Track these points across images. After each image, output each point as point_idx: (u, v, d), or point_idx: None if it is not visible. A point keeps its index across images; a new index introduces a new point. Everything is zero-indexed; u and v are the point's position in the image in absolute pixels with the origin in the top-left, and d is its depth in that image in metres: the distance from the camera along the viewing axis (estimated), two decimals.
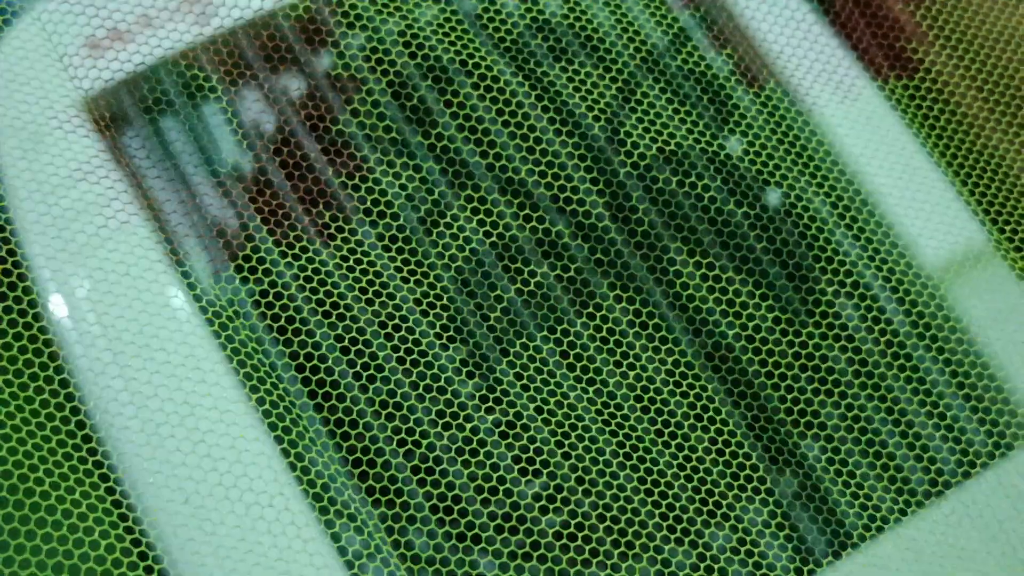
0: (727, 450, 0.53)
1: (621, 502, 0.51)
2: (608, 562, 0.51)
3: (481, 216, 0.56)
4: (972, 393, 0.56)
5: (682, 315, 0.56)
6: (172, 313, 0.51)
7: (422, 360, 0.53)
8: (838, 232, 0.59)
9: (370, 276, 0.54)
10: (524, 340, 0.54)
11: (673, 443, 0.53)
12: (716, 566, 0.51)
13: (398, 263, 0.55)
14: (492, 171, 0.57)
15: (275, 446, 0.50)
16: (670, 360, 0.55)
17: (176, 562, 0.47)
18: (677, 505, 0.52)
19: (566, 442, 0.52)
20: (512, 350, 0.54)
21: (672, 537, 0.51)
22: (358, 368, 0.52)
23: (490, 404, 0.53)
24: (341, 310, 0.53)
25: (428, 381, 0.52)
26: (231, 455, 0.49)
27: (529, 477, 0.52)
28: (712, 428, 0.54)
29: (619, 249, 0.56)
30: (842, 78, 0.62)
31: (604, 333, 0.55)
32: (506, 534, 0.51)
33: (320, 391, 0.52)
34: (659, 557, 0.51)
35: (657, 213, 0.58)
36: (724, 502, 0.52)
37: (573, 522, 0.51)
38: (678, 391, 0.54)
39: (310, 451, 0.51)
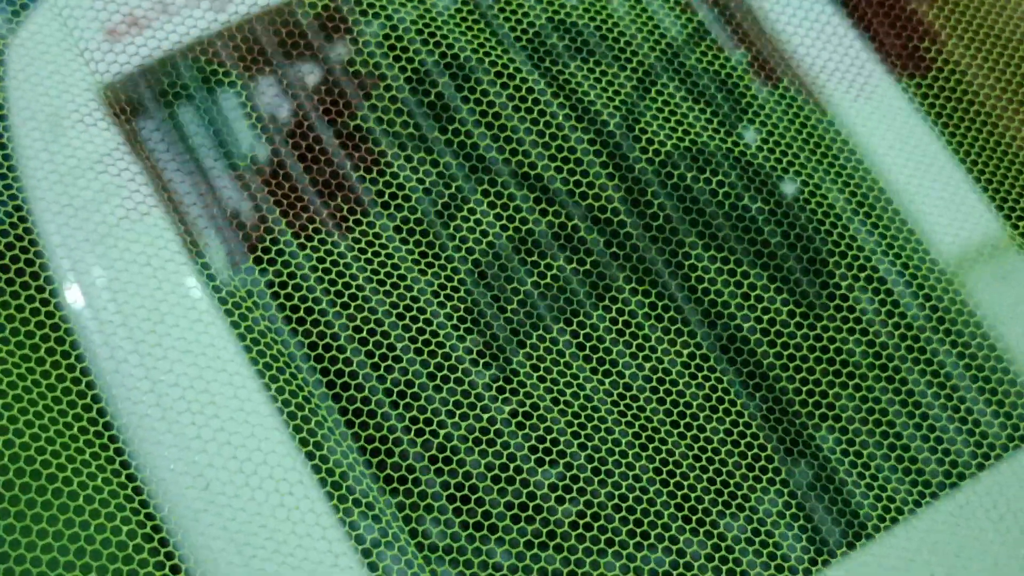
0: (742, 440, 0.53)
1: (637, 491, 0.51)
2: (623, 551, 0.51)
3: (498, 207, 0.56)
4: (987, 384, 0.56)
5: (698, 306, 0.56)
6: (190, 302, 0.52)
7: (439, 349, 0.53)
8: (855, 223, 0.59)
9: (387, 266, 0.54)
10: (540, 330, 0.54)
11: (689, 433, 0.53)
12: (731, 555, 0.51)
13: (415, 253, 0.55)
14: (509, 162, 0.57)
15: (292, 435, 0.50)
16: (686, 351, 0.55)
17: (194, 551, 0.47)
18: (692, 495, 0.52)
19: (582, 432, 0.52)
20: (528, 340, 0.54)
21: (687, 527, 0.52)
22: (375, 357, 0.52)
23: (506, 393, 0.53)
24: (358, 300, 0.53)
25: (444, 370, 0.53)
26: (248, 444, 0.49)
27: (545, 466, 0.52)
28: (728, 418, 0.54)
29: (635, 240, 0.56)
30: (859, 72, 0.62)
31: (620, 324, 0.55)
32: (522, 523, 0.51)
33: (337, 380, 0.52)
34: (674, 547, 0.51)
35: (673, 205, 0.58)
36: (739, 492, 0.53)
37: (589, 511, 0.51)
38: (694, 381, 0.54)
39: (327, 440, 0.51)
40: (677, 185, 0.58)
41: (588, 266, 0.56)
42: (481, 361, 0.53)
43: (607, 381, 0.53)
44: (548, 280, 0.55)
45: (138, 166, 0.54)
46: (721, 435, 0.53)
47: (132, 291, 0.51)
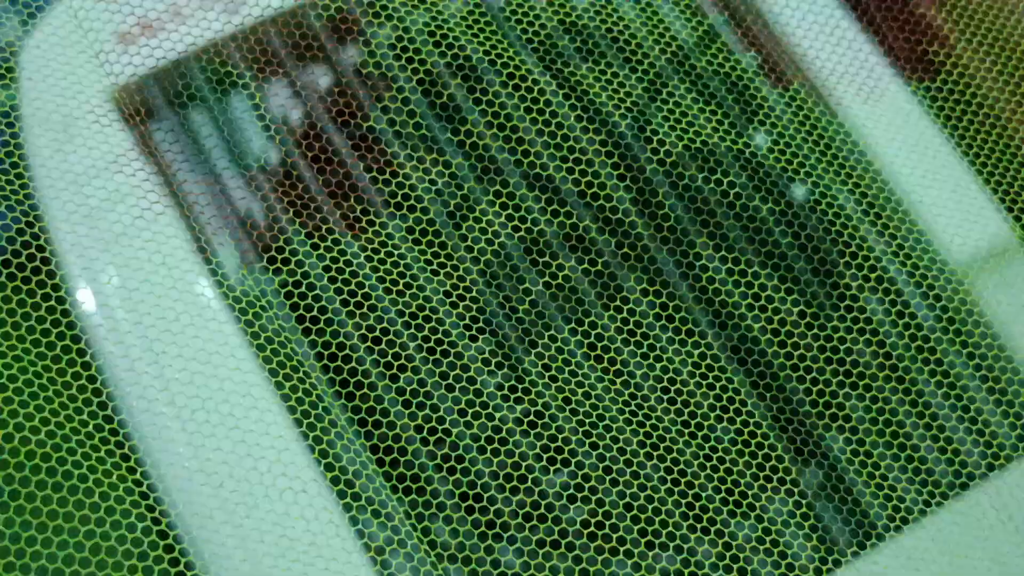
0: (752, 443, 0.53)
1: (646, 494, 0.52)
2: (633, 551, 0.51)
3: (508, 210, 0.56)
4: (997, 387, 0.56)
5: (708, 308, 0.56)
6: (201, 305, 0.52)
7: (449, 352, 0.53)
8: (864, 226, 0.59)
9: (399, 268, 0.55)
10: (550, 333, 0.54)
11: (698, 436, 0.53)
12: (740, 558, 0.52)
13: (426, 256, 0.55)
14: (519, 165, 0.57)
15: (303, 437, 0.50)
16: (696, 353, 0.55)
17: (204, 552, 0.47)
18: (702, 497, 0.52)
19: (592, 434, 0.52)
20: (539, 343, 0.54)
21: (697, 527, 0.52)
22: (385, 360, 0.53)
23: (516, 396, 0.53)
24: (369, 302, 0.54)
25: (455, 373, 0.53)
26: (260, 445, 0.49)
27: (555, 468, 0.52)
28: (737, 421, 0.54)
29: (645, 243, 0.57)
30: (869, 75, 0.62)
31: (630, 326, 0.55)
32: (532, 524, 0.51)
33: (347, 383, 0.52)
34: (685, 546, 0.51)
35: (683, 208, 0.58)
36: (748, 495, 0.53)
37: (598, 514, 0.51)
38: (703, 384, 0.54)
39: (337, 443, 0.51)
40: (687, 188, 0.58)
41: (599, 267, 0.56)
42: (492, 362, 0.53)
43: (617, 383, 0.54)
44: (559, 281, 0.55)
45: (151, 169, 0.55)
46: (731, 437, 0.53)
47: (145, 293, 0.52)
